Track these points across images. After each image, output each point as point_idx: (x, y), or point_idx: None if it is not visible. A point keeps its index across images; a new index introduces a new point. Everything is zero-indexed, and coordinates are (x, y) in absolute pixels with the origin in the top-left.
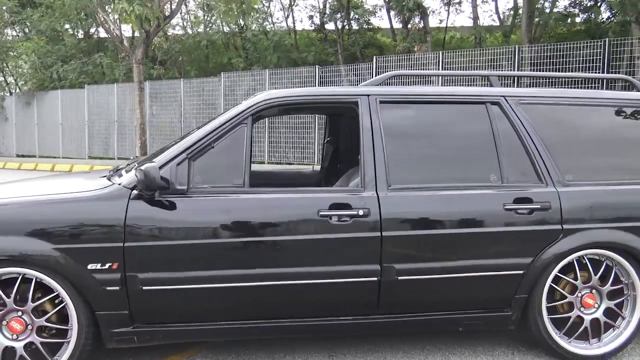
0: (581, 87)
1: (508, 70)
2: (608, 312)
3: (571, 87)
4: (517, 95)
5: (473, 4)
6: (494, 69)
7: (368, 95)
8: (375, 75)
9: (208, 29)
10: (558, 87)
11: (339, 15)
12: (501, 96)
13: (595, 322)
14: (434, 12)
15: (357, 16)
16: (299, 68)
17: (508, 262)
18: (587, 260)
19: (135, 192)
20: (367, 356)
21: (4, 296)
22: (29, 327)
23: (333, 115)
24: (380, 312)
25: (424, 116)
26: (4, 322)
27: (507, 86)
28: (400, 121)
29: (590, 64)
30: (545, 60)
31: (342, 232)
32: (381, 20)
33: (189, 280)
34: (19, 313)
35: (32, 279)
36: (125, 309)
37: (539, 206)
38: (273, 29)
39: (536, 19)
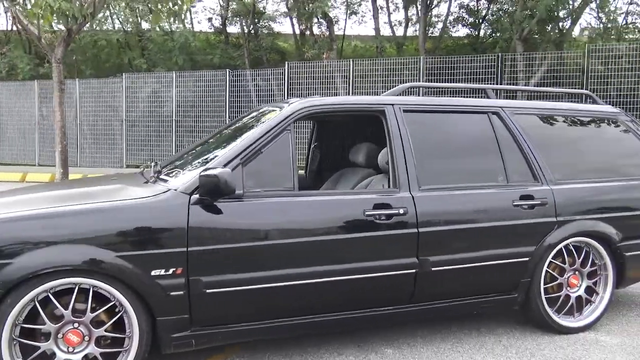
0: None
1: (414, 76)
2: (587, 290)
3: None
4: (512, 106)
5: (374, 15)
6: (397, 77)
7: (393, 105)
8: (287, 80)
9: (107, 27)
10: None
11: (244, 20)
12: (500, 107)
13: (578, 299)
14: (337, 21)
15: (263, 21)
16: (210, 71)
17: (517, 251)
18: (572, 247)
19: (195, 196)
20: (392, 343)
21: (61, 308)
22: (86, 338)
23: (321, 122)
24: (413, 302)
25: (439, 123)
26: (60, 335)
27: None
28: (421, 128)
29: (486, 75)
30: (446, 71)
31: (385, 230)
32: (282, 26)
33: (249, 281)
34: (76, 325)
35: (89, 289)
36: (186, 313)
37: (539, 202)
38: (172, 29)
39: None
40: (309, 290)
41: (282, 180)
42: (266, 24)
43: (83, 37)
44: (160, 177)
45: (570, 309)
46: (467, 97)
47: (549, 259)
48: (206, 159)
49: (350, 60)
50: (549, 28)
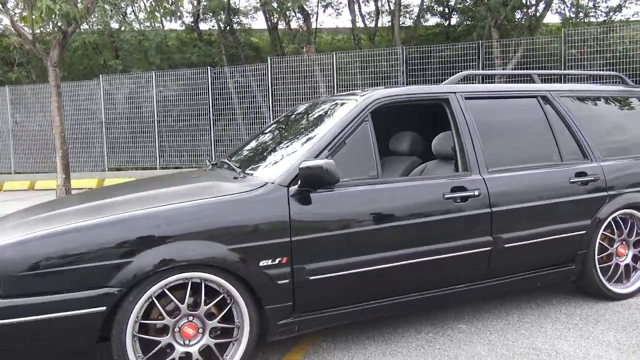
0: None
1: (397, 67)
2: (634, 258)
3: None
4: (557, 89)
5: (350, 8)
6: (380, 68)
7: (455, 93)
8: (271, 75)
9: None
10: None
11: (218, 17)
12: (547, 91)
13: (627, 267)
14: (314, 14)
15: (237, 17)
16: (190, 69)
17: (576, 225)
18: (619, 219)
19: (293, 188)
20: (463, 319)
21: (178, 302)
22: (200, 330)
23: None
24: (488, 278)
25: (497, 109)
26: (176, 329)
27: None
28: (481, 113)
29: (467, 63)
30: (427, 60)
31: (463, 211)
32: (255, 21)
33: (345, 266)
34: (190, 318)
35: (201, 283)
36: (290, 301)
37: (592, 178)
38: (145, 29)
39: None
40: (396, 272)
41: (366, 168)
42: (240, 20)
43: (53, 37)
44: (246, 171)
45: (620, 277)
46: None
47: (602, 230)
48: (287, 151)
49: (334, 53)
50: (522, 14)
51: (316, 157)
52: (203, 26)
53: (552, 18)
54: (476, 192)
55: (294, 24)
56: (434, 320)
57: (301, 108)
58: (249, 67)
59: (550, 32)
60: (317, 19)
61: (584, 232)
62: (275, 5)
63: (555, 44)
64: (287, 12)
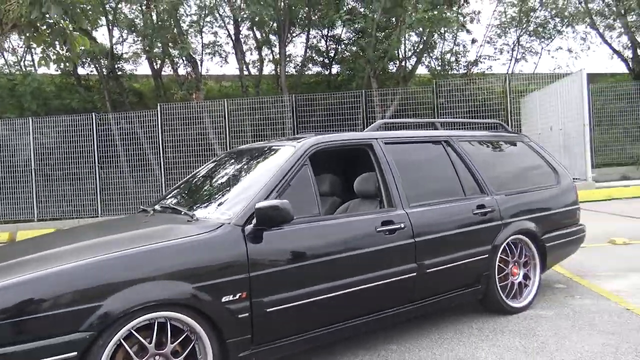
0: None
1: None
2: (524, 277)
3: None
4: (457, 135)
5: (237, 57)
6: (270, 115)
7: (377, 139)
8: (161, 121)
9: None
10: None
11: (101, 62)
12: (449, 137)
13: (519, 284)
14: (201, 62)
15: (119, 63)
16: (72, 115)
17: (481, 250)
18: (511, 243)
19: (249, 227)
20: (393, 341)
21: (146, 343)
22: None
23: None
24: (413, 300)
25: (411, 152)
26: None
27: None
28: (400, 156)
29: (352, 109)
30: (314, 107)
31: (392, 242)
32: (140, 66)
33: (297, 297)
34: (157, 357)
35: (166, 322)
36: (249, 333)
37: (490, 209)
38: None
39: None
40: (339, 300)
41: (309, 207)
42: (122, 66)
43: None
44: (195, 214)
45: (515, 293)
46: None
47: (499, 254)
48: (235, 194)
49: (225, 100)
50: (396, 67)
51: (266, 198)
52: (82, 71)
53: (423, 70)
54: (402, 225)
55: (181, 71)
56: (366, 344)
57: (231, 154)
58: (134, 114)
59: (422, 82)
60: (201, 65)
61: (486, 255)
62: (159, 51)
63: (428, 94)
64: (175, 59)
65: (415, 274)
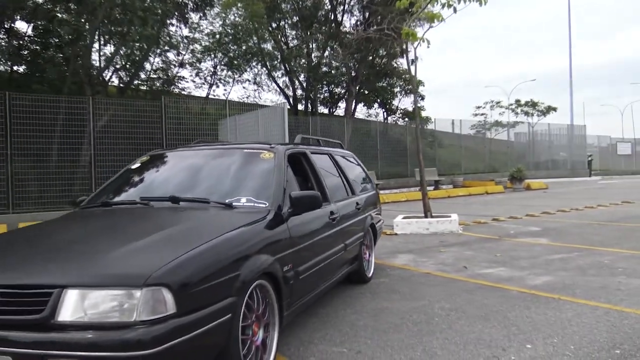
0: None
1: None
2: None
3: None
4: (333, 150)
5: None
6: None
7: (307, 149)
8: None
9: None
10: None
11: None
12: (330, 151)
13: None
14: None
15: None
16: None
17: (360, 234)
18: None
19: (286, 212)
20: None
21: (255, 305)
22: (260, 325)
23: None
24: (341, 269)
25: (323, 161)
26: (250, 329)
27: None
28: (320, 164)
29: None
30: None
31: (334, 228)
32: None
33: (310, 267)
34: (253, 317)
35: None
36: (290, 297)
37: (338, 216)
38: None
39: None
40: (323, 266)
41: None
42: None
43: None
44: (227, 202)
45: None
46: None
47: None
48: (247, 187)
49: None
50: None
51: (285, 190)
52: None
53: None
54: (335, 215)
55: None
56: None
57: (206, 155)
58: None
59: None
60: None
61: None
62: None
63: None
64: None
65: (343, 251)
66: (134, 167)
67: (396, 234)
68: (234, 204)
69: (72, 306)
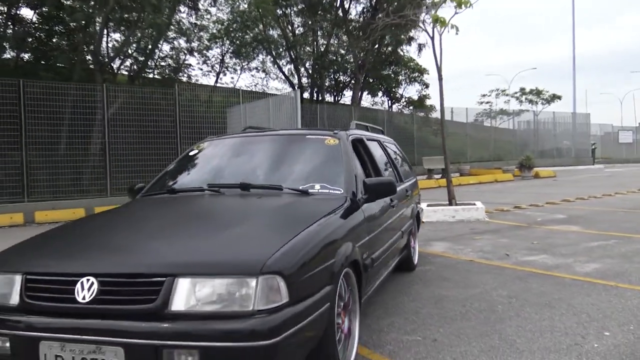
0: None
1: None
2: None
3: None
4: (382, 138)
5: None
6: None
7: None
8: None
9: None
10: None
11: None
12: (379, 139)
13: None
14: None
15: None
16: None
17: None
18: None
19: (360, 198)
20: None
21: (344, 291)
22: (342, 314)
23: None
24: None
25: (374, 147)
26: (339, 318)
27: None
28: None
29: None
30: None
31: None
32: None
33: (381, 252)
34: (341, 303)
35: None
36: (364, 283)
37: (396, 203)
38: None
39: None
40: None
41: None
42: None
43: None
44: (302, 189)
45: None
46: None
47: None
48: (318, 173)
49: None
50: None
51: (356, 176)
52: None
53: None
54: (395, 203)
55: None
56: None
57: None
58: None
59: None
60: None
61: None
62: None
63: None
64: None
65: (400, 238)
66: (191, 153)
67: (423, 222)
68: (309, 190)
69: (185, 295)
